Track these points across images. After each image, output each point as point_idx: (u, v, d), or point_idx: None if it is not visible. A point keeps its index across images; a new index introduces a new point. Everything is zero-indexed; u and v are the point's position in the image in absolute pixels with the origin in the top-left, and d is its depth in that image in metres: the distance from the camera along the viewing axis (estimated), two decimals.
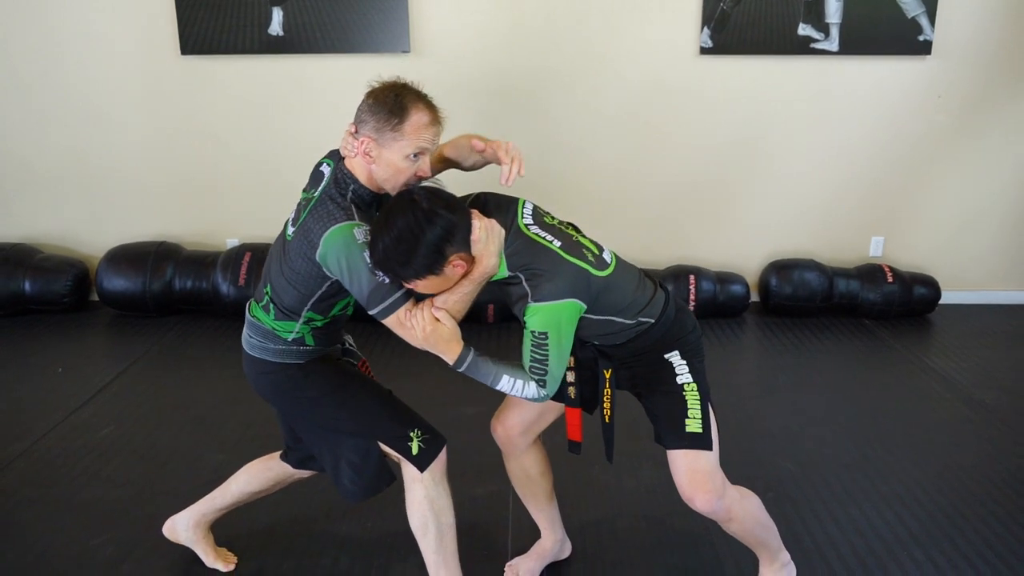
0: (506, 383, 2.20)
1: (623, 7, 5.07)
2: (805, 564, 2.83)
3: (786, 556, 2.64)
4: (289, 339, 2.38)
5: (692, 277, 5.23)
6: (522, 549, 2.87)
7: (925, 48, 5.11)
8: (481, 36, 5.11)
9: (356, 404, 2.44)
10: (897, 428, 3.85)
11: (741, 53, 5.14)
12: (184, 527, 2.83)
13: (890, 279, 5.27)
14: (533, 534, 2.87)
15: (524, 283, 2.15)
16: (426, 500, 2.39)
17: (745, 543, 2.53)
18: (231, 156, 5.37)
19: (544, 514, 2.78)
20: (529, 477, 2.69)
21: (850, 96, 5.26)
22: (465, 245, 2.09)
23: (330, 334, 2.46)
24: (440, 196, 2.11)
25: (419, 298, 2.21)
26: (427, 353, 2.23)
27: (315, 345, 2.42)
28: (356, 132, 2.22)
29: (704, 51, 5.12)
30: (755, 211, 5.50)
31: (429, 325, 2.15)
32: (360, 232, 2.14)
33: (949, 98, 5.27)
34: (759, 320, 5.34)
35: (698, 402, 2.33)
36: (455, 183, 2.37)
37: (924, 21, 5.04)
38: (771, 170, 5.40)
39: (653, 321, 2.31)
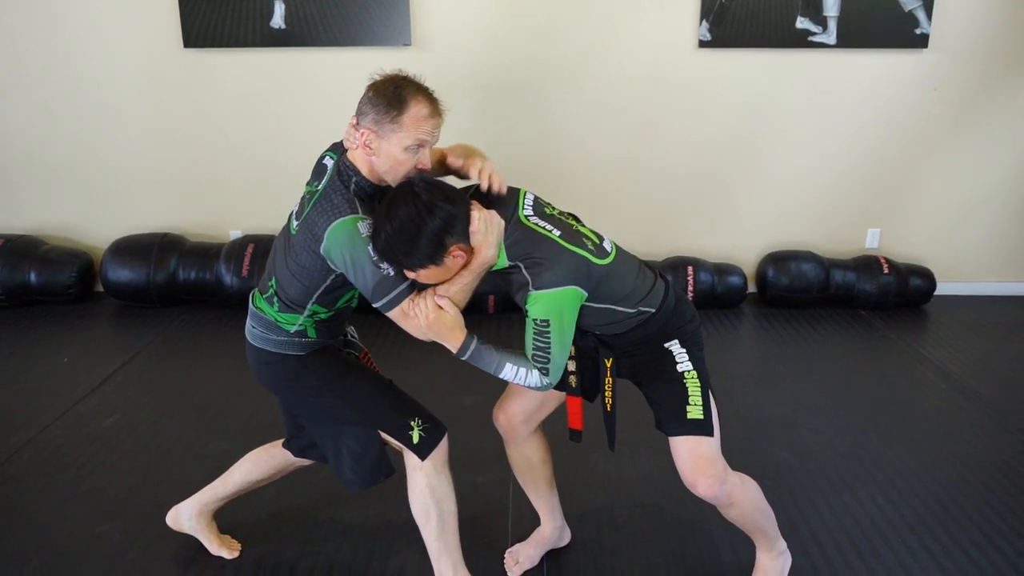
0: (509, 371, 2.21)
1: (623, 0, 5.09)
2: (801, 551, 2.85)
3: (782, 544, 2.65)
4: (292, 331, 2.39)
5: (690, 268, 5.26)
6: (522, 536, 2.90)
7: (922, 41, 5.13)
8: (481, 30, 5.13)
9: (356, 394, 2.44)
10: (892, 417, 3.88)
11: (739, 46, 5.15)
12: (187, 516, 2.84)
13: (886, 270, 5.30)
14: (533, 521, 2.89)
15: (524, 271, 2.16)
16: (427, 488, 2.40)
17: (743, 529, 2.54)
18: (234, 148, 5.40)
19: (544, 501, 2.80)
20: (530, 465, 2.71)
21: (847, 89, 5.28)
22: (464, 236, 2.11)
23: (333, 327, 2.48)
24: (440, 187, 2.12)
25: (421, 290, 2.22)
26: (428, 343, 2.23)
27: (317, 337, 2.43)
28: (357, 124, 2.23)
29: (703, 44, 5.14)
30: (753, 203, 5.53)
31: (432, 313, 2.16)
32: (364, 226, 2.15)
33: (945, 91, 5.29)
34: (756, 311, 5.37)
35: (699, 389, 2.34)
36: (456, 177, 2.40)
37: (921, 14, 5.06)
38: (769, 162, 5.43)
39: (653, 310, 2.32)
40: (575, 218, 2.36)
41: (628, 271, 2.31)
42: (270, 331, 2.41)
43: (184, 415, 3.85)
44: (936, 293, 5.46)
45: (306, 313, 2.37)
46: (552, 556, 2.87)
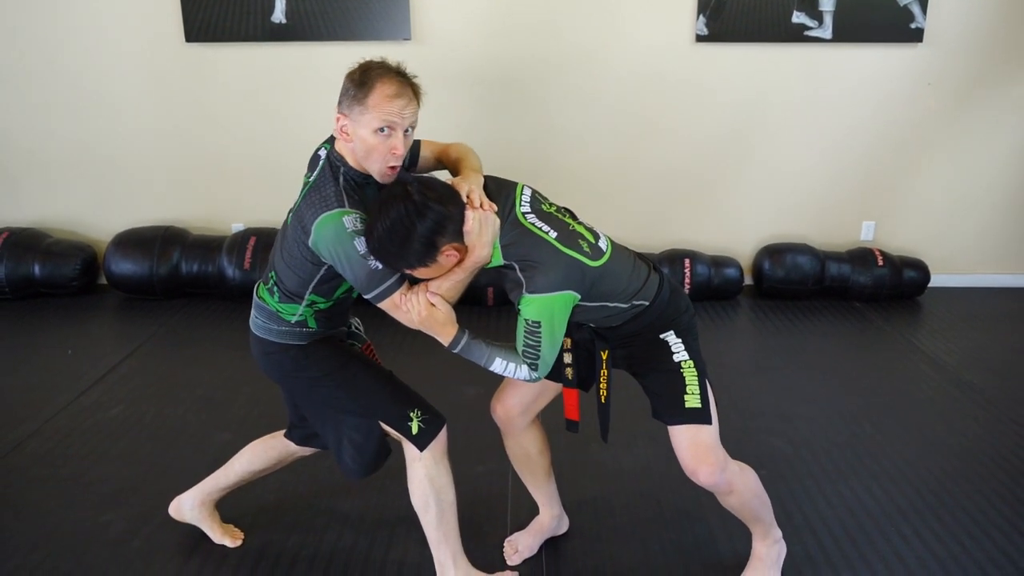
0: (499, 365, 2.23)
1: None
2: (796, 540, 2.87)
3: (778, 532, 2.66)
4: (292, 321, 2.40)
5: (687, 261, 5.29)
6: (521, 525, 2.92)
7: (917, 35, 5.15)
8: (480, 25, 5.13)
9: (357, 384, 2.46)
10: (886, 407, 3.91)
11: (736, 41, 5.18)
12: (190, 507, 2.86)
13: (881, 263, 5.33)
14: (531, 510, 2.92)
15: (519, 273, 2.16)
16: (427, 478, 2.42)
17: (740, 517, 2.55)
18: (235, 142, 5.42)
19: (542, 491, 2.82)
20: (528, 455, 2.72)
21: (843, 83, 5.30)
22: (458, 236, 2.11)
23: (333, 317, 2.48)
24: (433, 187, 2.11)
25: (413, 282, 2.23)
26: (428, 335, 2.25)
27: (317, 327, 2.44)
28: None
29: (700, 39, 5.16)
30: (749, 196, 5.56)
31: (425, 309, 2.18)
32: (349, 220, 2.14)
33: (940, 85, 5.31)
34: (752, 303, 5.40)
35: (696, 378, 2.35)
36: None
37: (916, 9, 5.08)
38: (765, 156, 5.46)
39: (648, 303, 2.33)
40: (571, 214, 2.36)
41: (623, 269, 2.30)
42: (272, 321, 2.43)
43: (187, 406, 3.87)
44: (930, 285, 5.50)
45: (305, 303, 2.38)
46: (550, 544, 2.89)
